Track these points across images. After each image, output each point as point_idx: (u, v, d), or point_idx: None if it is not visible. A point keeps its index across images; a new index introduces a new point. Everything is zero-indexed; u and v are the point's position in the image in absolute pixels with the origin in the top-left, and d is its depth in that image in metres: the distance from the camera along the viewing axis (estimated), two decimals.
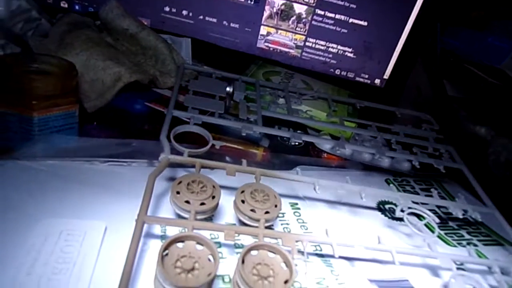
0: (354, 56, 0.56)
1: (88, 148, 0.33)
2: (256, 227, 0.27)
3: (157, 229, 0.28)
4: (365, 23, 0.54)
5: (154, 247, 0.26)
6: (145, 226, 0.25)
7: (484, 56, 0.52)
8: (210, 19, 0.54)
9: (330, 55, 0.56)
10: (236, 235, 0.26)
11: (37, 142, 0.32)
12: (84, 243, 0.25)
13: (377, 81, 0.57)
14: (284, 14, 0.53)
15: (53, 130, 0.33)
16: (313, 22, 0.54)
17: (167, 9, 0.53)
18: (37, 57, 0.34)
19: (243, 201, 0.29)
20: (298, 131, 0.40)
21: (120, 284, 0.21)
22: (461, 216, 0.35)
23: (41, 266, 0.22)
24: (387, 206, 0.38)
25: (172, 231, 0.27)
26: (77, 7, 0.52)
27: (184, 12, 0.53)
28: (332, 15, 0.53)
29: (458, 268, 0.29)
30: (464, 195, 0.38)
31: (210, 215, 0.29)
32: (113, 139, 0.35)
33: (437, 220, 0.33)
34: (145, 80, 0.43)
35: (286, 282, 0.23)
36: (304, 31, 0.55)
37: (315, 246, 0.29)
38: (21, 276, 0.22)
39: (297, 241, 0.27)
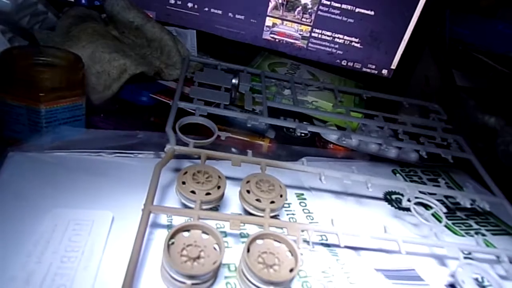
0: (361, 47, 0.55)
1: (95, 140, 0.34)
2: (262, 216, 0.28)
3: (163, 219, 0.28)
4: (372, 13, 0.53)
5: (160, 236, 0.26)
6: (151, 215, 0.26)
7: (494, 44, 0.52)
8: (215, 11, 0.54)
9: (337, 46, 0.56)
10: (242, 224, 0.27)
11: (45, 134, 0.32)
12: (92, 232, 0.25)
13: (384, 71, 0.57)
14: (290, 4, 0.53)
15: (61, 122, 0.33)
16: (319, 12, 0.53)
17: (172, 1, 0.53)
18: (44, 50, 0.35)
19: (248, 191, 0.29)
20: (304, 122, 0.40)
21: (127, 272, 0.21)
22: (469, 206, 0.35)
23: (50, 254, 0.23)
24: (393, 196, 0.37)
25: (178, 221, 0.28)
26: (83, 1, 0.52)
27: (189, 4, 0.53)
28: (338, 4, 0.52)
29: (465, 258, 0.29)
30: (472, 184, 0.37)
31: (216, 205, 0.29)
32: (120, 131, 0.35)
33: (444, 210, 0.33)
34: (150, 72, 0.43)
35: (291, 270, 0.23)
36: (310, 22, 0.54)
37: (321, 235, 0.29)
38: (31, 264, 0.22)
39: (302, 231, 0.27)
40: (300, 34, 0.55)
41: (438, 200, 0.34)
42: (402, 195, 0.37)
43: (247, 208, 0.28)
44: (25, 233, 0.24)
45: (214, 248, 0.23)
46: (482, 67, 0.52)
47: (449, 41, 0.54)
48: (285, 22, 0.54)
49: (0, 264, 0.22)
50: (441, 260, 0.30)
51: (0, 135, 0.34)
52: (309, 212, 0.32)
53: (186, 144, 0.32)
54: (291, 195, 0.34)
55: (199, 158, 0.31)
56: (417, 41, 0.54)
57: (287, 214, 0.31)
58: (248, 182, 0.29)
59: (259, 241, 0.25)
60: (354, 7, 0.53)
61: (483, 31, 0.53)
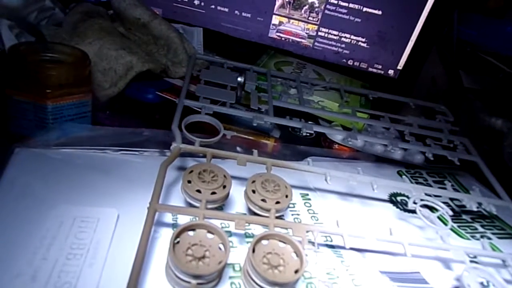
0: (368, 46, 0.55)
1: (101, 137, 0.34)
2: (267, 217, 0.27)
3: (168, 217, 0.28)
4: (379, 12, 0.52)
5: (165, 235, 0.26)
6: (157, 214, 0.26)
7: (502, 45, 0.51)
8: (222, 9, 0.54)
9: (343, 45, 0.55)
10: (247, 224, 0.26)
11: (51, 131, 0.32)
12: (98, 229, 0.25)
13: (391, 71, 0.57)
14: (297, 3, 0.53)
15: (67, 118, 0.33)
16: (326, 11, 0.53)
17: None
18: (51, 46, 0.35)
19: (254, 191, 0.29)
20: (310, 122, 0.40)
21: (132, 270, 0.21)
22: (475, 209, 0.34)
23: (56, 251, 0.23)
24: (399, 198, 0.37)
25: (183, 220, 0.28)
26: None
27: (196, 2, 0.53)
28: (345, 4, 0.52)
29: (471, 261, 0.29)
30: (479, 187, 0.37)
31: (221, 205, 0.29)
32: (125, 128, 0.35)
33: (450, 213, 0.32)
34: (157, 69, 0.43)
35: (296, 271, 0.23)
36: (317, 21, 0.54)
37: (326, 236, 0.29)
38: (37, 260, 0.22)
39: (307, 232, 0.27)
40: (306, 33, 0.55)
41: (443, 203, 0.33)
42: (407, 197, 0.37)
43: (252, 208, 0.28)
44: (31, 229, 0.24)
45: (219, 248, 0.23)
46: (490, 69, 0.51)
47: (456, 42, 0.53)
48: (291, 21, 0.54)
49: (6, 260, 0.22)
50: (446, 263, 0.30)
51: (6, 131, 0.34)
52: (314, 213, 0.32)
53: (191, 143, 0.32)
54: (296, 195, 0.33)
55: (204, 156, 0.31)
56: (425, 42, 0.54)
57: (292, 215, 0.31)
58: (253, 181, 0.29)
59: (264, 242, 0.25)
60: (361, 7, 0.52)
61: (491, 33, 0.53)
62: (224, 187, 0.28)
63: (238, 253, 0.26)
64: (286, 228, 0.27)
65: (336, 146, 0.43)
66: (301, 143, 0.42)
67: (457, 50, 0.53)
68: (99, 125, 0.36)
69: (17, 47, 0.34)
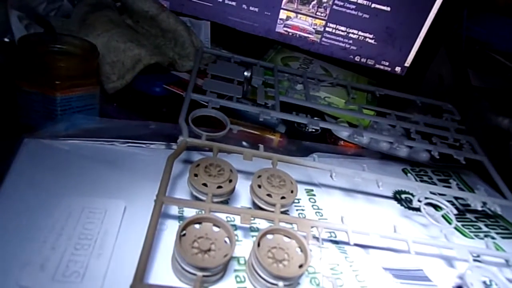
0: (375, 43, 0.55)
1: (108, 129, 0.34)
2: (272, 211, 0.28)
3: (173, 210, 0.28)
4: (388, 8, 0.52)
5: (172, 227, 0.26)
6: (163, 206, 0.26)
7: None
8: (229, 2, 0.53)
9: (351, 41, 0.55)
10: (252, 218, 0.27)
11: (59, 122, 0.33)
12: (105, 220, 0.25)
13: (398, 68, 0.56)
14: None
15: (75, 110, 0.34)
16: (334, 7, 0.53)
17: None
18: (60, 38, 0.35)
19: (259, 186, 0.29)
20: (316, 118, 0.40)
21: (139, 261, 0.21)
22: (480, 208, 0.34)
23: (64, 241, 0.23)
24: (403, 196, 0.37)
25: (189, 213, 0.28)
26: None
27: None
28: None
29: (474, 260, 0.29)
30: (484, 187, 0.37)
31: (227, 198, 0.29)
32: (132, 121, 0.35)
33: (455, 211, 0.32)
34: (164, 62, 0.43)
35: (300, 266, 0.23)
36: (325, 16, 0.53)
37: (330, 232, 0.30)
38: (46, 250, 0.23)
39: (312, 227, 0.27)
40: (314, 28, 0.55)
41: (447, 201, 0.33)
42: (412, 194, 0.37)
43: (258, 203, 0.29)
44: (40, 219, 0.25)
45: (225, 241, 0.24)
46: (499, 68, 0.51)
47: (465, 40, 0.53)
48: (299, 16, 0.54)
49: (15, 249, 0.22)
50: (450, 261, 0.30)
51: (15, 121, 0.34)
52: (318, 209, 0.32)
53: (198, 136, 0.32)
54: (300, 190, 0.34)
55: (210, 150, 0.31)
56: (433, 39, 0.53)
57: (297, 210, 0.32)
58: (259, 176, 0.29)
59: (269, 236, 0.25)
60: (370, 2, 0.52)
61: (501, 31, 0.52)
62: (230, 181, 0.28)
63: (243, 247, 0.26)
64: (291, 223, 0.28)
65: (342, 142, 0.43)
66: (307, 139, 0.42)
67: (465, 48, 0.53)
68: (106, 117, 0.37)
69: (27, 38, 0.34)
